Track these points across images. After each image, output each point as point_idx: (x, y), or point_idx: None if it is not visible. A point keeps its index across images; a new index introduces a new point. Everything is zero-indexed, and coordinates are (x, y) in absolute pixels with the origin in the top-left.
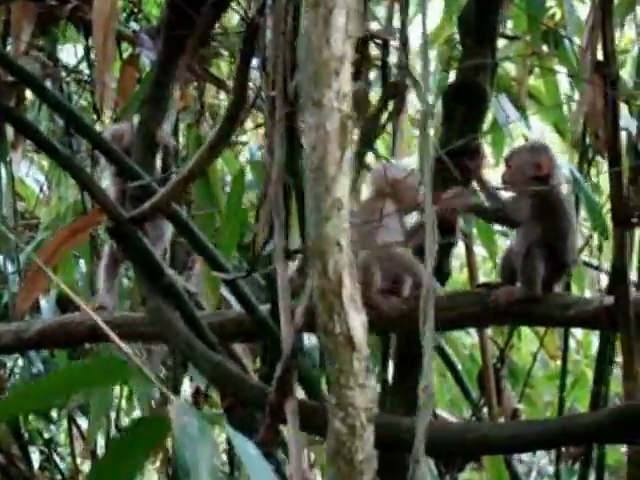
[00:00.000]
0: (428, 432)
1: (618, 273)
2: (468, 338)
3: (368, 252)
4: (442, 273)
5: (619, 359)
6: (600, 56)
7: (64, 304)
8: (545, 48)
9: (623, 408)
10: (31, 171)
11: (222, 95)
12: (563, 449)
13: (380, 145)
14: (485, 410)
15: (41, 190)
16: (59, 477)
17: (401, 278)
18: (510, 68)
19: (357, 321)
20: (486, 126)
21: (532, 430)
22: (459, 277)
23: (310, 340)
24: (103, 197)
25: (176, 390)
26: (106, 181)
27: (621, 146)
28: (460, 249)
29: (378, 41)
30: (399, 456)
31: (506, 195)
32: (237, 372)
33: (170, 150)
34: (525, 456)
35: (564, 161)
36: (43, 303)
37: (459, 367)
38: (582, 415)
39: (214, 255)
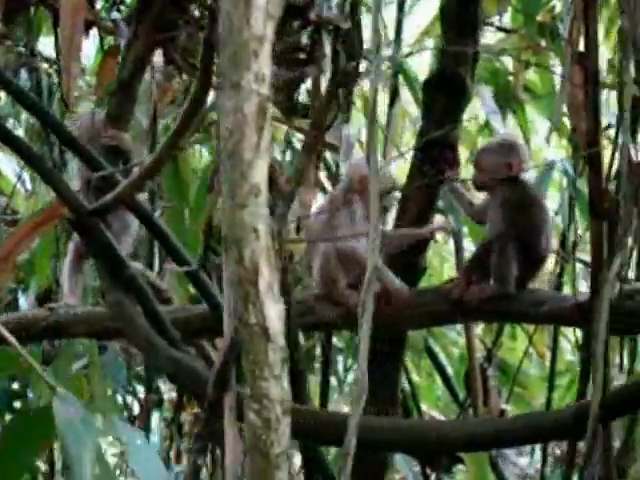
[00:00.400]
0: (386, 429)
1: (595, 268)
2: (460, 337)
3: (330, 246)
4: (417, 270)
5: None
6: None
7: (44, 300)
8: (543, 42)
9: (587, 405)
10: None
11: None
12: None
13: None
14: (472, 411)
15: (20, 182)
16: None
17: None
18: (507, 62)
19: (273, 311)
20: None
21: (492, 428)
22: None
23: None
24: (64, 188)
25: (150, 388)
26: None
27: (601, 139)
28: (450, 245)
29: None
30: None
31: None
32: (197, 369)
33: (131, 156)
34: (520, 459)
35: (559, 157)
36: (22, 299)
37: (448, 367)
38: (547, 413)
39: (177, 248)
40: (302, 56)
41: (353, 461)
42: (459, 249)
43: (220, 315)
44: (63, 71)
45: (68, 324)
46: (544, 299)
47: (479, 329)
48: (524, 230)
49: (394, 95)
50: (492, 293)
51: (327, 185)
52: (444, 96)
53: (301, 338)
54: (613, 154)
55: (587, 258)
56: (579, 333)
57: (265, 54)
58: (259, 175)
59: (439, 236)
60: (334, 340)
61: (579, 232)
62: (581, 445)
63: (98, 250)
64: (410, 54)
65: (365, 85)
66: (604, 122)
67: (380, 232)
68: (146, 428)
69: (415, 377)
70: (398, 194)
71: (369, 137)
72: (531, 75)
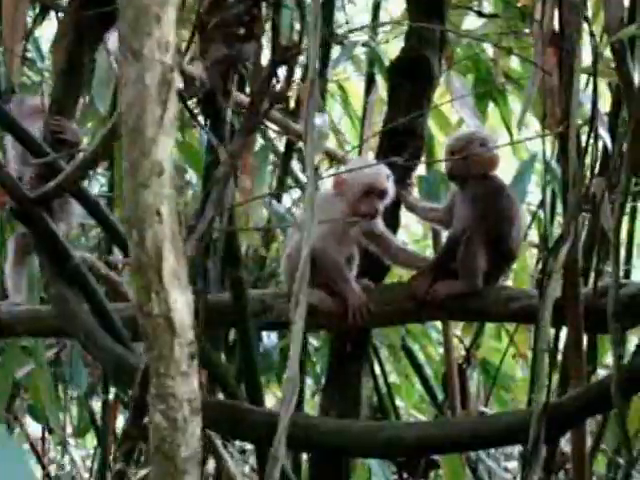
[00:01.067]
0: (332, 431)
1: (568, 264)
2: (441, 336)
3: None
4: (381, 266)
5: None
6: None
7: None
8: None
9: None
10: None
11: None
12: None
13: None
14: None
15: None
16: None
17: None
18: (489, 49)
19: (180, 301)
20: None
21: (441, 431)
22: None
23: (270, 339)
24: (5, 176)
25: (106, 389)
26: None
27: (576, 126)
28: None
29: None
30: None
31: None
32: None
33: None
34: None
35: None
36: None
37: (427, 367)
38: (504, 415)
39: (125, 238)
40: (241, 31)
41: (318, 464)
42: (437, 241)
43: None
44: (6, 52)
45: (12, 323)
46: (515, 296)
47: (458, 328)
48: (494, 223)
49: (370, 83)
50: (459, 290)
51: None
52: (410, 80)
53: (274, 338)
54: (587, 141)
55: None
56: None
57: (169, 20)
58: (162, 152)
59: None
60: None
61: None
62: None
63: (40, 240)
64: (386, 42)
65: (342, 74)
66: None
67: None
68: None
69: (394, 377)
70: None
71: (308, 102)
72: (513, 63)
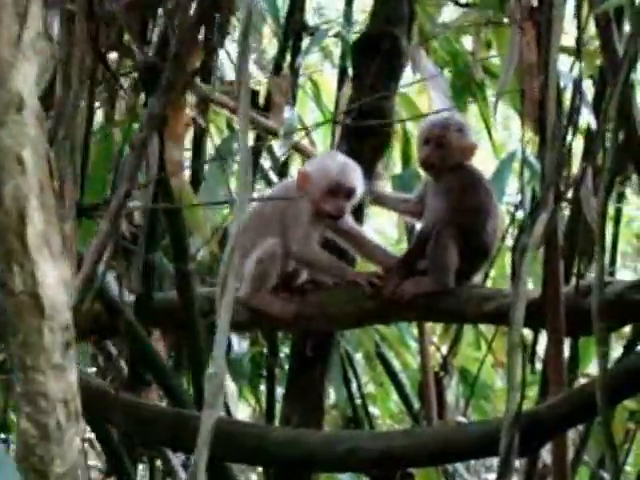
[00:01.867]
0: (288, 441)
1: (546, 260)
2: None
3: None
4: (346, 259)
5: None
6: None
7: None
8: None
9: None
10: None
11: None
12: None
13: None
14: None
15: None
16: None
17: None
18: (468, 42)
19: (51, 276)
20: None
21: (407, 442)
22: None
23: (241, 345)
24: None
25: None
26: None
27: (555, 109)
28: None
29: None
30: None
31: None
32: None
33: None
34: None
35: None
36: None
37: (403, 375)
38: (476, 424)
39: None
40: None
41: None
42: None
43: (115, 312)
44: None
45: None
46: (489, 295)
47: (435, 335)
48: (469, 216)
49: (342, 76)
50: (428, 288)
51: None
52: (375, 59)
53: (245, 345)
54: (568, 124)
55: None
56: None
57: None
58: (23, 82)
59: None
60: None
61: None
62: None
63: None
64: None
65: (314, 69)
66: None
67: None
68: None
69: (370, 386)
70: None
71: (240, 52)
72: (493, 56)
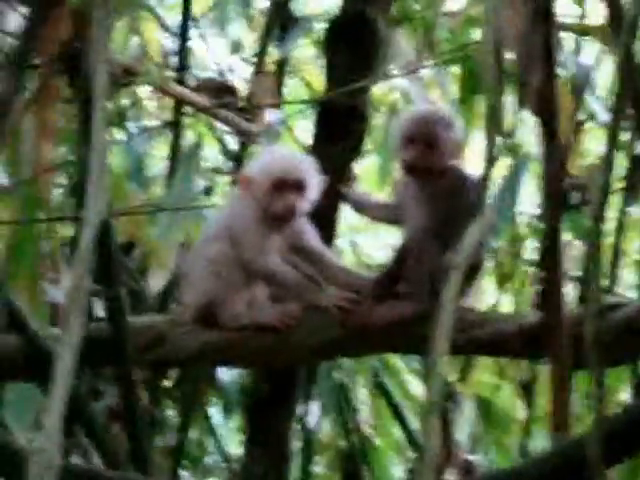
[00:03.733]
0: None
1: (549, 275)
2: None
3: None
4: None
5: None
6: None
7: None
8: None
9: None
10: None
11: None
12: None
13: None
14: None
15: None
16: None
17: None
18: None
19: None
20: None
21: None
22: None
23: (229, 374)
24: None
25: None
26: None
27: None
28: None
29: None
30: None
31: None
32: None
33: None
34: None
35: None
36: None
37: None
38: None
39: None
40: None
41: None
42: None
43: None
44: None
45: None
46: (479, 320)
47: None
48: (455, 228)
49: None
50: (406, 313)
51: None
52: (349, 45)
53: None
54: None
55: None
56: None
57: None
58: None
59: None
60: None
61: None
62: None
63: None
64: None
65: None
66: None
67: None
68: None
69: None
70: None
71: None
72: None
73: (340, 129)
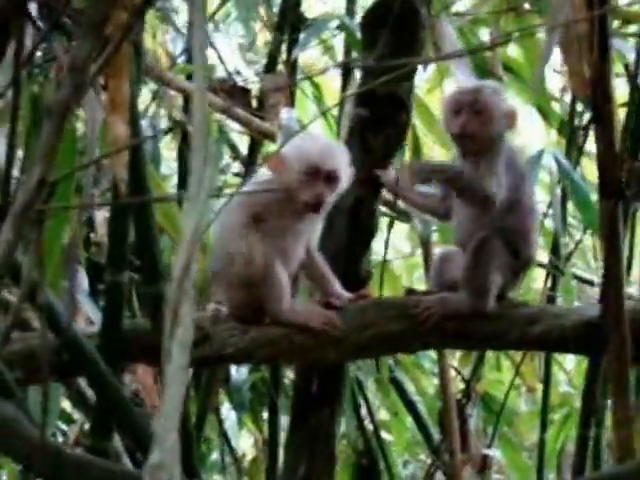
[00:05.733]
0: None
1: (608, 269)
2: (436, 367)
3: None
4: (357, 275)
5: None
6: None
7: None
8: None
9: None
10: None
11: None
12: None
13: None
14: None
15: None
16: None
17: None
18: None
19: None
20: None
21: None
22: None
23: (239, 372)
24: None
25: None
26: None
27: (612, 85)
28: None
29: None
30: None
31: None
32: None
33: None
34: None
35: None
36: None
37: (420, 403)
38: None
39: None
40: None
41: None
42: (429, 258)
43: (71, 342)
44: None
45: None
46: (535, 316)
47: (455, 358)
48: (519, 219)
49: (347, 75)
50: (462, 308)
51: None
52: (389, 34)
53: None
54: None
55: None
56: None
57: None
58: None
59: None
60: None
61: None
62: None
63: None
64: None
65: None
66: None
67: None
68: None
69: (383, 414)
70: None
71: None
72: (513, 51)
73: (381, 118)
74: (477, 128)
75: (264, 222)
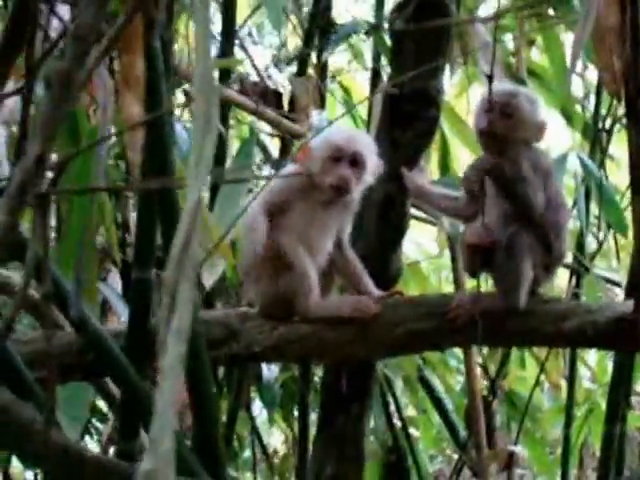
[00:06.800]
0: None
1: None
2: (462, 365)
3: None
4: (387, 273)
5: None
6: None
7: None
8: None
9: None
10: None
11: None
12: None
13: None
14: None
15: None
16: None
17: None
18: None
19: None
20: None
21: None
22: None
23: (270, 370)
24: None
25: None
26: None
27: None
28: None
29: None
30: None
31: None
32: (23, 420)
33: None
34: None
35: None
36: None
37: (447, 400)
38: None
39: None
40: None
41: None
42: (456, 259)
43: (93, 342)
44: None
45: None
46: (568, 311)
47: (480, 355)
48: (551, 214)
49: (375, 77)
50: (494, 306)
51: None
52: (419, 30)
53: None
54: None
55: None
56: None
57: None
58: None
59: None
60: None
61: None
62: None
63: None
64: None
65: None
66: None
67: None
68: None
69: (411, 411)
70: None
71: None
72: (537, 56)
73: (409, 115)
74: (503, 130)
75: (286, 213)
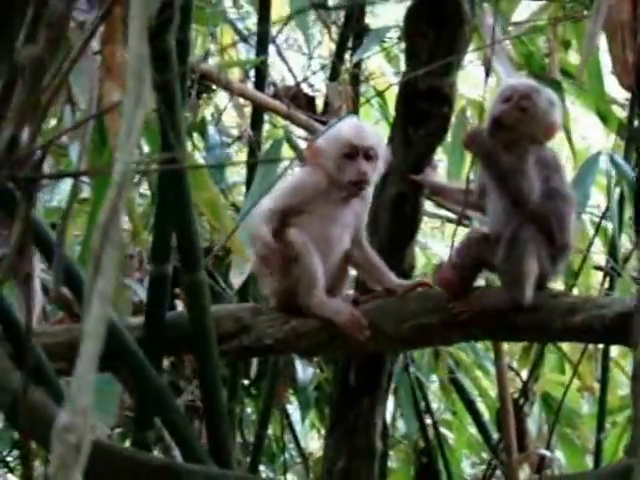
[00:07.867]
0: None
1: None
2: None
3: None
4: (400, 269)
5: None
6: None
7: None
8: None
9: None
10: None
11: None
12: None
13: None
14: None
15: None
16: None
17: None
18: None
19: None
20: None
21: None
22: None
23: (306, 372)
24: None
25: None
26: None
27: None
28: None
29: None
30: None
31: None
32: (38, 406)
33: None
34: None
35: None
36: None
37: (480, 403)
38: None
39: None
40: None
41: None
42: None
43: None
44: None
45: None
46: (576, 305)
47: (514, 358)
48: (554, 207)
49: None
50: (499, 303)
51: None
52: (432, 27)
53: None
54: None
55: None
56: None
57: None
58: None
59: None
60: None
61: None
62: None
63: None
64: None
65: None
66: None
67: None
68: None
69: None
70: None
71: None
72: (572, 57)
73: (422, 112)
74: (514, 122)
75: (303, 213)
